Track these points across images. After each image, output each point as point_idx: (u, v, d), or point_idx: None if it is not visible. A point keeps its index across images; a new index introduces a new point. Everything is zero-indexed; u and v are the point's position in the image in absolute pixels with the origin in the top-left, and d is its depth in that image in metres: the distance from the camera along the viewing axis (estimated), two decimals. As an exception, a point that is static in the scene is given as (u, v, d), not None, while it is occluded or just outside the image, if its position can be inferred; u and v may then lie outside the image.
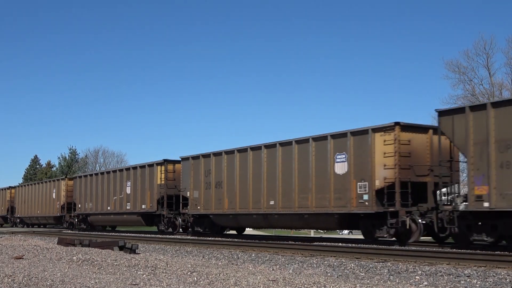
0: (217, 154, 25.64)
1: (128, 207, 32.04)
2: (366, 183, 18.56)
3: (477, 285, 9.42)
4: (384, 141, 18.24)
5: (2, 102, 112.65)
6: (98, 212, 35.68)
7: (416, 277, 10.50)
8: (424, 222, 17.67)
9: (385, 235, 18.40)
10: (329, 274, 11.06)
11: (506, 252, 14.11)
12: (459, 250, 14.87)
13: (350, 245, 18.04)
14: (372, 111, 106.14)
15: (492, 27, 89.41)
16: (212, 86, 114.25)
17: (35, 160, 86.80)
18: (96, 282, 9.13)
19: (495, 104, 15.61)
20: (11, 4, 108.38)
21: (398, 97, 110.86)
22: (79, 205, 38.15)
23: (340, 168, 19.54)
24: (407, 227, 17.67)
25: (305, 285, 8.87)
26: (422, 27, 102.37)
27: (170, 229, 29.27)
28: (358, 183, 18.80)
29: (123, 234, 30.61)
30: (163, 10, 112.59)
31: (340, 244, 18.85)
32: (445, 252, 13.97)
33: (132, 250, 16.13)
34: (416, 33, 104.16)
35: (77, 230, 38.32)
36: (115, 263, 12.33)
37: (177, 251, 17.55)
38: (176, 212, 28.67)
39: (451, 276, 10.46)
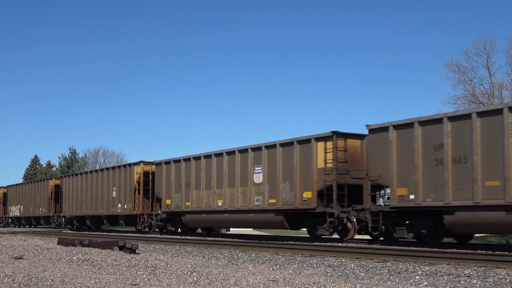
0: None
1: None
2: None
3: (477, 285, 9.41)
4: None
5: (2, 102, 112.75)
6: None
7: (416, 277, 10.49)
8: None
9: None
10: (329, 274, 11.06)
11: (506, 252, 14.12)
12: (459, 250, 14.87)
13: (350, 245, 18.04)
14: (372, 111, 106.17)
15: (492, 27, 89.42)
16: (212, 85, 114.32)
17: (35, 160, 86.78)
18: (96, 282, 9.13)
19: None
20: (12, 3, 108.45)
21: (398, 97, 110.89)
22: None
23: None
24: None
25: (305, 285, 8.87)
26: (422, 27, 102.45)
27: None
28: None
29: (123, 234, 30.70)
30: (161, 10, 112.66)
31: (340, 244, 18.84)
32: (445, 252, 13.96)
33: (132, 250, 16.13)
34: (416, 33, 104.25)
35: None
36: (115, 263, 12.33)
37: (177, 251, 17.55)
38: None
39: (451, 276, 10.46)
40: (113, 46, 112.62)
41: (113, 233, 31.80)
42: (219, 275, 10.14)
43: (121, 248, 16.44)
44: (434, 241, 17.18)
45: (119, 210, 32.19)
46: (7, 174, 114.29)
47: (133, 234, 29.89)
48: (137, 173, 30.75)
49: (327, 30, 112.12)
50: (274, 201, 21.81)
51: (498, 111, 15.29)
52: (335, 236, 20.69)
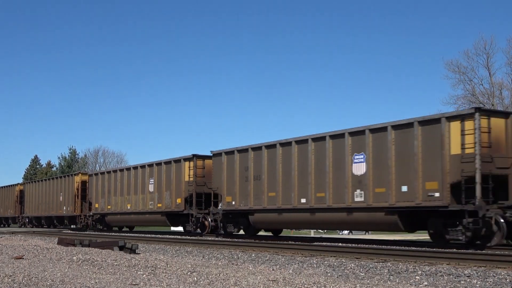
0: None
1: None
2: None
3: (477, 285, 9.41)
4: None
5: (2, 102, 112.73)
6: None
7: (416, 277, 10.49)
8: None
9: None
10: (329, 274, 11.06)
11: (506, 252, 14.13)
12: (459, 250, 14.88)
13: (350, 245, 18.04)
14: (371, 111, 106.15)
15: (492, 27, 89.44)
16: (212, 86, 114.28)
17: (35, 160, 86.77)
18: (96, 282, 9.13)
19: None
20: (12, 5, 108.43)
21: (398, 97, 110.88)
22: None
23: None
24: None
25: (305, 285, 8.87)
26: (422, 27, 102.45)
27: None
28: None
29: (123, 234, 30.81)
30: (162, 12, 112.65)
31: (340, 244, 18.85)
32: (445, 252, 13.95)
33: (132, 250, 16.13)
34: (416, 33, 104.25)
35: None
36: (115, 263, 12.33)
37: (177, 251, 17.55)
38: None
39: (451, 276, 10.46)
40: (113, 47, 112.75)
41: (112, 233, 31.88)
42: (219, 275, 10.14)
43: (121, 248, 16.44)
44: (249, 233, 24.31)
45: (64, 212, 38.75)
46: (7, 174, 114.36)
47: (133, 234, 30.01)
48: (76, 182, 37.35)
49: (326, 30, 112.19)
50: (160, 205, 28.74)
51: (274, 146, 21.83)
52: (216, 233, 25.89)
